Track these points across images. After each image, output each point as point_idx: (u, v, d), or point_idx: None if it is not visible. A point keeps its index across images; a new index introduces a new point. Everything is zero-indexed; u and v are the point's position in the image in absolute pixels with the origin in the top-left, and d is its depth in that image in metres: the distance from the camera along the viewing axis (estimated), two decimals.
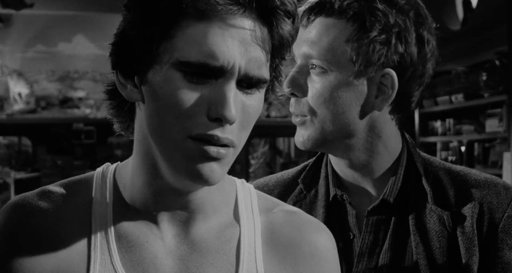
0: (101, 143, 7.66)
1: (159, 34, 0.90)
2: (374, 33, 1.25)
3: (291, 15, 0.92)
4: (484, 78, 5.94)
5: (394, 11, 1.27)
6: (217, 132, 0.90)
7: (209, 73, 0.89)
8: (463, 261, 1.28)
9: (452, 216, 1.30)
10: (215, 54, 0.87)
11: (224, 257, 1.01)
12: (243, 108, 0.92)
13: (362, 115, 1.32)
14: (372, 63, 1.27)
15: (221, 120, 0.89)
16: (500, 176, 5.42)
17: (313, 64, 1.29)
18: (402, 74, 1.29)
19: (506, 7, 5.17)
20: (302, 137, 1.33)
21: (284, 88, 1.31)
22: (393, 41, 1.26)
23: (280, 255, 1.05)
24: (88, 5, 7.34)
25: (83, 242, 0.98)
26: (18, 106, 7.69)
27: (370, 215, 1.35)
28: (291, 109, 1.34)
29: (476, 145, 6.32)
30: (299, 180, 1.45)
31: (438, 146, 6.87)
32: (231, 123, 0.90)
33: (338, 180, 1.39)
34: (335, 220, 1.38)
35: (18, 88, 7.69)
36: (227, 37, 0.88)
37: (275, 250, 1.05)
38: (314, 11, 1.29)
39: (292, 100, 1.33)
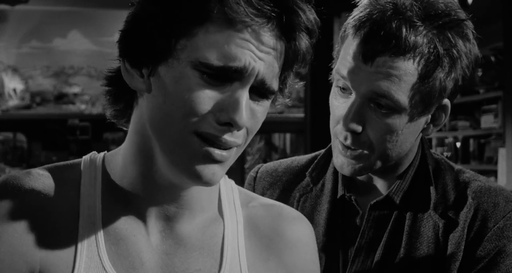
0: (96, 139, 7.64)
1: (180, 31, 0.90)
2: (446, 70, 1.23)
3: (312, 33, 0.93)
4: (480, 74, 5.94)
5: (460, 40, 1.23)
6: (225, 135, 0.91)
7: (229, 75, 0.89)
8: (446, 264, 1.27)
9: (446, 225, 1.30)
10: (237, 56, 0.88)
11: (209, 252, 1.02)
12: (252, 114, 0.93)
13: (414, 141, 1.32)
14: (438, 100, 1.27)
15: (231, 125, 0.90)
16: (495, 172, 5.43)
17: (380, 104, 1.23)
18: (451, 97, 1.30)
19: (502, 4, 5.18)
20: (352, 168, 1.29)
21: (345, 122, 1.25)
22: (458, 72, 1.25)
23: (263, 247, 1.06)
24: (83, 0, 7.32)
25: (70, 232, 0.97)
26: (13, 102, 7.67)
27: (372, 209, 1.34)
28: (347, 142, 1.27)
29: (471, 141, 6.32)
30: (306, 172, 1.44)
31: (434, 142, 6.88)
32: (239, 129, 0.91)
33: (347, 177, 1.38)
34: (338, 217, 1.37)
35: (13, 84, 7.66)
36: (249, 44, 0.89)
37: (258, 243, 1.06)
38: (379, 49, 1.21)
39: (348, 133, 1.27)
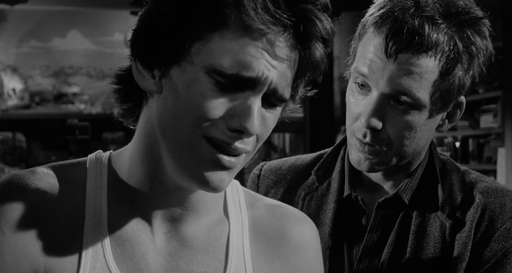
0: (96, 138, 7.63)
1: (195, 34, 0.89)
2: (465, 67, 1.23)
3: (328, 43, 0.92)
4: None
5: (478, 38, 1.24)
6: (236, 142, 0.90)
7: (242, 83, 0.89)
8: (453, 265, 1.27)
9: (453, 225, 1.30)
10: (251, 65, 0.88)
11: (214, 254, 1.02)
12: (263, 121, 0.92)
13: (429, 137, 1.32)
14: (456, 97, 1.27)
15: (241, 132, 0.89)
16: (494, 172, 5.43)
17: (400, 100, 1.23)
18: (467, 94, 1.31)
19: (501, 3, 5.18)
20: (370, 163, 1.29)
21: (366, 119, 1.24)
22: (476, 69, 1.26)
23: (268, 249, 1.06)
24: (83, 0, 7.31)
25: (75, 231, 0.96)
26: (12, 102, 7.66)
27: (380, 208, 1.34)
28: (366, 139, 1.27)
29: (470, 140, 6.32)
30: (312, 171, 1.43)
31: None
32: (249, 136, 0.91)
33: (354, 176, 1.37)
34: (344, 217, 1.37)
35: (12, 84, 7.65)
36: (264, 52, 0.88)
37: (263, 244, 1.06)
38: (402, 46, 1.20)
39: (367, 130, 1.26)
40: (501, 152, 5.33)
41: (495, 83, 5.80)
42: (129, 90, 0.99)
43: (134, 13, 6.82)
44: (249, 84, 0.89)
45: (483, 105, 6.04)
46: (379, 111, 1.24)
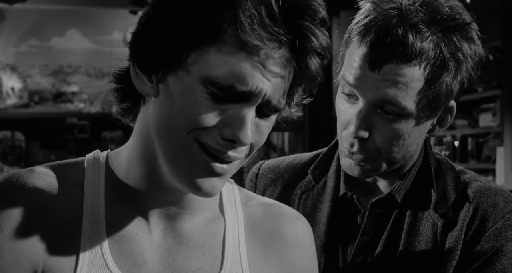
0: (95, 137, 7.62)
1: (192, 45, 0.89)
2: (452, 74, 1.23)
3: (323, 57, 0.93)
4: (478, 73, 5.93)
5: (466, 43, 1.23)
6: (229, 151, 0.92)
7: (235, 96, 0.89)
8: (443, 263, 1.28)
9: (445, 224, 1.30)
10: (246, 79, 0.88)
11: (210, 251, 1.03)
12: (257, 129, 0.94)
13: (420, 142, 1.32)
14: (445, 103, 1.27)
15: (235, 142, 0.90)
16: (493, 171, 5.43)
17: (386, 110, 1.23)
18: (457, 98, 1.30)
19: (500, 2, 5.18)
20: (361, 168, 1.29)
21: (353, 130, 1.24)
22: (464, 75, 1.25)
23: (263, 246, 1.07)
24: None
25: (74, 229, 0.97)
26: (11, 101, 7.65)
27: (373, 207, 1.34)
28: (354, 149, 1.27)
29: (469, 140, 6.31)
30: (309, 170, 1.44)
31: (432, 140, 6.87)
32: (242, 146, 0.92)
33: (350, 176, 1.37)
34: (340, 216, 1.38)
35: (11, 83, 7.65)
36: (260, 65, 0.89)
37: (258, 242, 1.07)
38: (386, 56, 1.20)
39: (355, 140, 1.27)
40: (500, 151, 5.33)
41: (494, 82, 5.80)
42: (127, 90, 1.00)
43: (133, 12, 6.82)
44: (243, 96, 0.90)
45: (482, 104, 6.04)
46: (366, 120, 1.24)
